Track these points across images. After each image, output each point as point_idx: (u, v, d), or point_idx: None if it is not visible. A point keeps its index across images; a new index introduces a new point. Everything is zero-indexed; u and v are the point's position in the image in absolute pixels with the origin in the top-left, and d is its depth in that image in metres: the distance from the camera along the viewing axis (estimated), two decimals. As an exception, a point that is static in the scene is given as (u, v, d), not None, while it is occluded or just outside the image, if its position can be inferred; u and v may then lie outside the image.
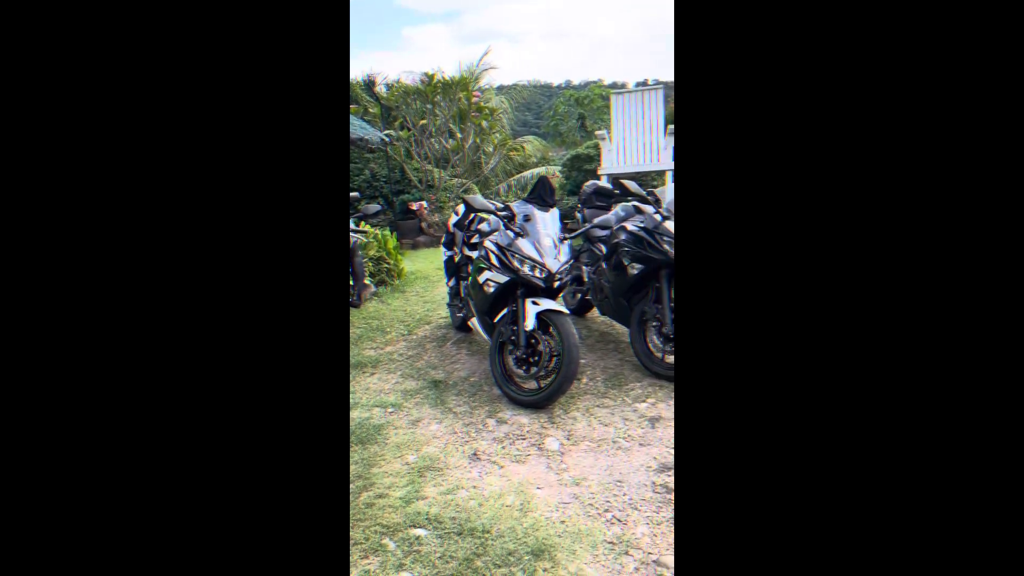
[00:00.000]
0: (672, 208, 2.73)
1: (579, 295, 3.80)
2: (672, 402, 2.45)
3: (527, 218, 2.59)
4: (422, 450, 2.17)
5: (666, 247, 2.61)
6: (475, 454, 2.12)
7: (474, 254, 2.79)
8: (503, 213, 2.62)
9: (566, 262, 2.53)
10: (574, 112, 13.32)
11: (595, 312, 3.74)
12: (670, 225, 2.65)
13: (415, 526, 1.67)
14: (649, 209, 2.77)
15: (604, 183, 3.74)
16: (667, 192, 2.83)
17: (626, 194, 2.84)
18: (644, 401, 2.48)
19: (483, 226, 2.94)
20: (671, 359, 2.70)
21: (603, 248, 3.16)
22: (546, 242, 2.50)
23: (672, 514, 1.68)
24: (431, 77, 8.13)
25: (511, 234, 2.54)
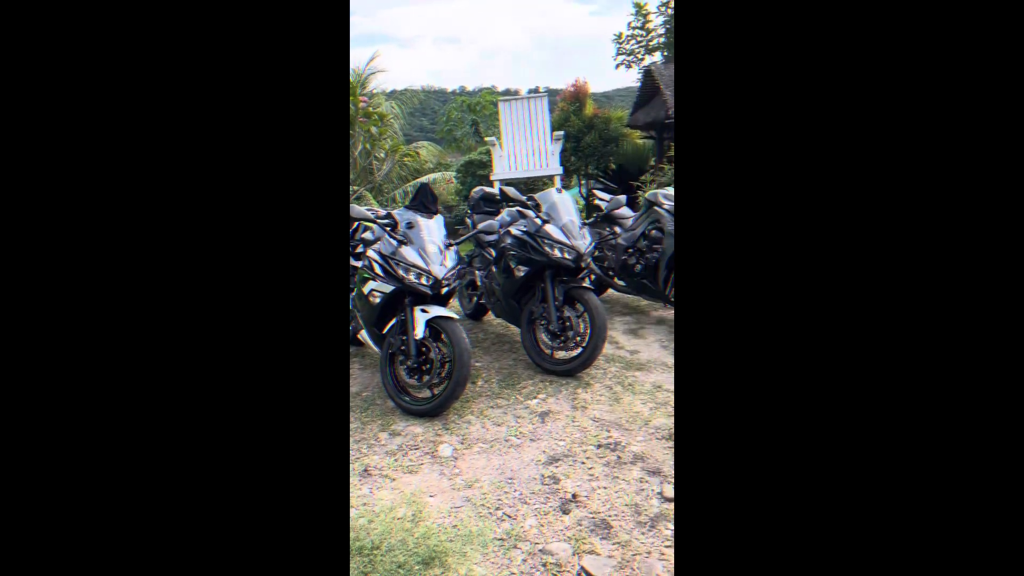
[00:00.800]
0: (552, 212, 2.87)
1: (474, 299, 3.86)
2: (560, 396, 2.57)
3: (410, 225, 2.57)
4: (309, 474, 2.06)
5: (547, 249, 2.74)
6: (366, 470, 2.06)
7: (359, 264, 2.71)
8: (384, 221, 2.58)
9: (453, 268, 2.55)
10: (467, 118, 13.43)
11: (491, 315, 3.81)
12: (550, 228, 2.79)
13: (298, 555, 1.58)
14: (531, 214, 2.89)
15: (491, 189, 3.83)
16: (548, 196, 2.97)
17: (507, 200, 2.93)
18: (535, 397, 2.58)
19: (367, 235, 2.87)
20: (559, 355, 2.84)
21: (493, 252, 3.24)
22: (431, 248, 2.50)
23: (559, 503, 1.77)
24: (313, 80, 7.73)
25: (394, 242, 2.51)
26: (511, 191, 2.89)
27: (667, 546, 1.53)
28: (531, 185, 7.21)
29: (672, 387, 2.60)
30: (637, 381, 2.69)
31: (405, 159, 10.12)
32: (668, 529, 1.60)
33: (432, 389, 2.46)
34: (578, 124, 8.07)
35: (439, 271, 2.45)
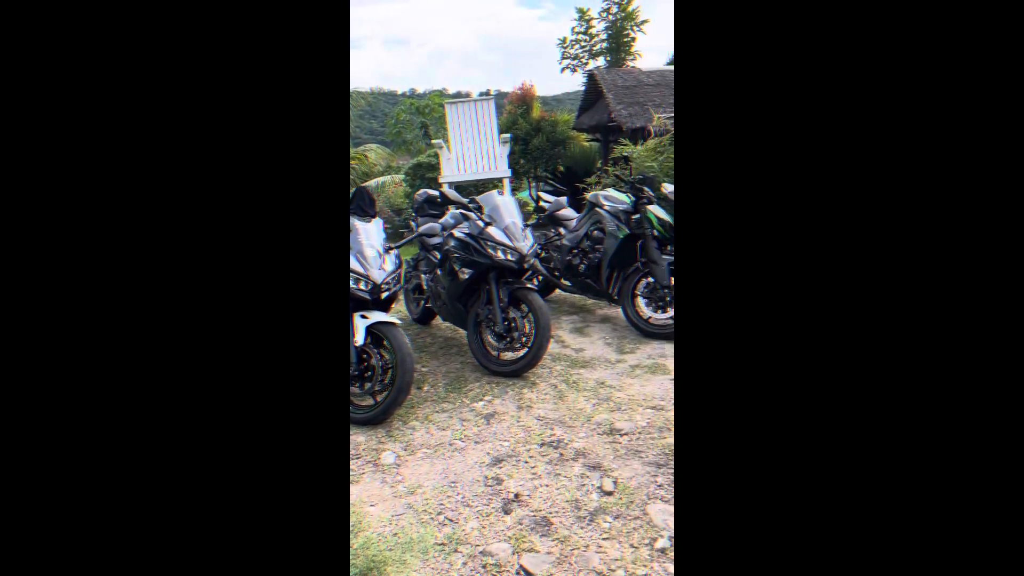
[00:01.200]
0: (495, 214, 2.89)
1: (422, 303, 3.81)
2: (506, 397, 2.58)
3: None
4: (242, 491, 1.97)
5: (489, 251, 2.75)
6: (304, 484, 1.99)
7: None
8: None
9: (392, 272, 2.51)
10: (416, 120, 13.29)
11: (440, 320, 3.77)
12: (492, 230, 2.80)
13: (227, 577, 1.50)
14: (473, 216, 2.89)
15: (435, 191, 3.80)
16: (490, 198, 2.98)
17: (448, 202, 2.92)
18: (481, 400, 2.57)
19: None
20: (506, 356, 2.86)
21: (438, 255, 3.21)
22: (369, 253, 2.45)
23: (502, 504, 1.78)
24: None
25: (331, 248, 2.44)
26: (451, 193, 2.89)
27: (604, 539, 1.57)
28: (482, 188, 7.21)
29: (614, 383, 2.66)
30: (581, 378, 2.74)
31: (353, 162, 9.90)
32: (606, 522, 1.64)
33: (375, 396, 2.41)
34: (526, 127, 8.15)
35: (378, 275, 2.41)
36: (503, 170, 6.41)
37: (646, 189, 3.37)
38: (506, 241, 2.76)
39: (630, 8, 11.41)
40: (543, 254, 4.03)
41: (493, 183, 7.02)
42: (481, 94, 8.44)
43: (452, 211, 3.25)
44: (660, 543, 1.53)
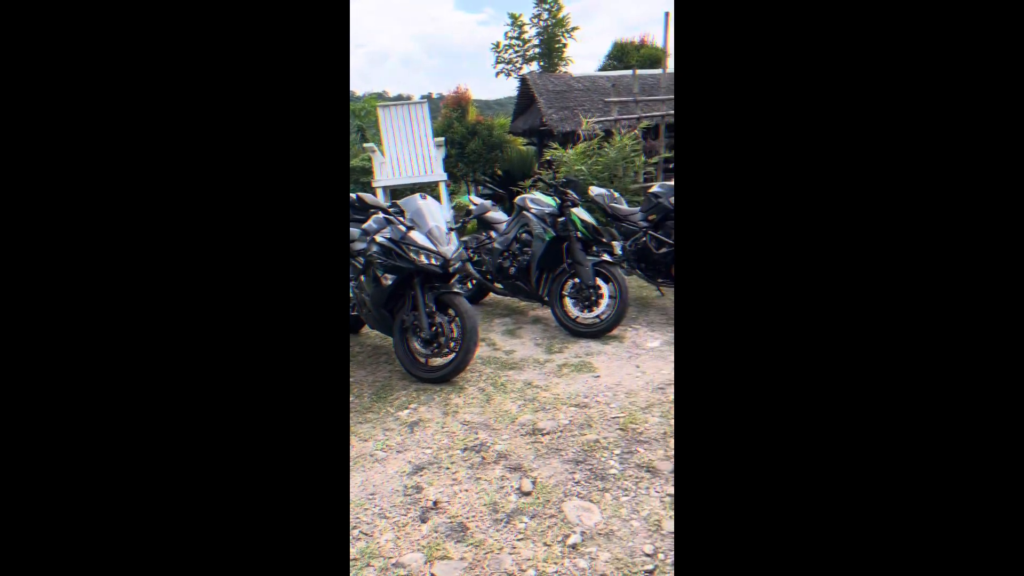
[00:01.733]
0: (417, 219, 2.85)
1: (350, 311, 3.70)
2: (433, 403, 2.55)
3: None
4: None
5: (412, 256, 2.71)
6: (209, 509, 1.87)
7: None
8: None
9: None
10: (352, 124, 12.93)
11: (369, 328, 3.68)
12: (415, 235, 2.76)
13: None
14: (395, 220, 2.84)
15: (363, 195, 3.71)
16: (411, 202, 2.94)
17: (366, 207, 2.86)
18: (406, 408, 2.53)
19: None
20: (435, 362, 2.82)
21: (362, 261, 3.13)
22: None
23: (419, 513, 1.75)
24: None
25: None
26: (369, 197, 2.82)
27: (519, 540, 1.57)
28: (419, 191, 7.12)
29: (541, 383, 2.69)
30: (510, 380, 2.75)
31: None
32: (522, 523, 1.65)
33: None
34: (461, 131, 8.13)
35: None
36: (439, 173, 6.36)
37: (570, 192, 3.45)
38: (429, 245, 2.73)
39: (560, 15, 11.69)
40: (475, 257, 4.02)
41: (430, 186, 6.95)
42: (423, 97, 8.36)
43: (376, 216, 3.17)
44: (572, 539, 1.56)
